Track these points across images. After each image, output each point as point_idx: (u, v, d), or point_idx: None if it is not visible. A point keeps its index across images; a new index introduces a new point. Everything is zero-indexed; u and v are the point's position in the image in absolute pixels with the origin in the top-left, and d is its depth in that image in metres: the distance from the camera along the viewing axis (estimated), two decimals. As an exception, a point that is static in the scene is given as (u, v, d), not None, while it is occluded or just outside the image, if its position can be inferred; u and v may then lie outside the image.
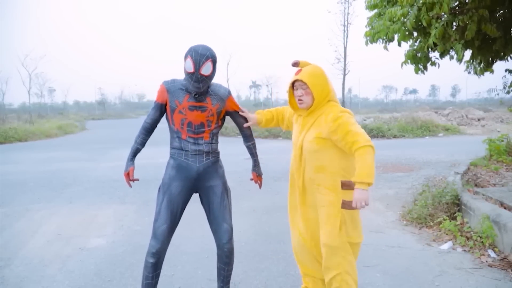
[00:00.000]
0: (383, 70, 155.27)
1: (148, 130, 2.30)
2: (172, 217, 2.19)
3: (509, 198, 3.90)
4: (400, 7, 4.03)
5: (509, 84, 5.72)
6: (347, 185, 2.08)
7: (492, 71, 5.10)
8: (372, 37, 4.89)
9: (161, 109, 2.27)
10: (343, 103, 17.33)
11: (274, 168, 7.48)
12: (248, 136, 2.47)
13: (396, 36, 4.67)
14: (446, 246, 3.45)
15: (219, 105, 2.27)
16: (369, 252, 3.33)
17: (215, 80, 2.29)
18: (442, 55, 4.73)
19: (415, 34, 4.60)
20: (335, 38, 36.59)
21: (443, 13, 3.76)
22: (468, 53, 4.90)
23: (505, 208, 3.69)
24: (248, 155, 2.53)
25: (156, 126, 2.33)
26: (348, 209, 2.08)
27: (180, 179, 2.23)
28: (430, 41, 4.05)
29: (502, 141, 7.47)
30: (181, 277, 2.94)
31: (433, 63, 4.92)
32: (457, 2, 4.11)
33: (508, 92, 5.79)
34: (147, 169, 7.44)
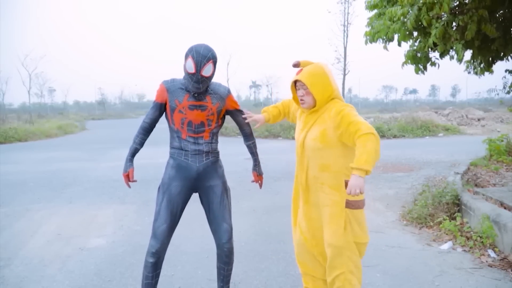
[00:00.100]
0: (383, 70, 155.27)
1: (147, 130, 2.29)
2: (172, 217, 2.19)
3: (509, 198, 3.90)
4: (400, 6, 4.03)
5: (509, 84, 5.73)
6: None
7: (492, 72, 5.11)
8: (372, 36, 4.89)
9: (161, 108, 2.26)
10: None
11: (274, 168, 7.48)
12: (248, 135, 2.47)
13: (396, 36, 4.68)
14: (446, 246, 3.45)
15: (219, 104, 2.27)
16: (369, 252, 3.32)
17: (215, 80, 2.29)
18: (442, 55, 4.73)
19: (415, 34, 4.60)
20: (335, 38, 36.74)
21: (443, 13, 3.76)
22: (468, 53, 4.90)
23: (505, 208, 3.69)
24: (248, 155, 2.53)
25: (154, 126, 2.32)
26: (352, 208, 2.07)
27: (179, 179, 2.22)
28: (431, 41, 4.05)
29: (502, 141, 7.47)
30: (181, 277, 2.94)
31: (433, 63, 4.92)
32: (457, 2, 4.11)
33: (508, 92, 5.79)
34: (147, 169, 7.44)
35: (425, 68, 4.98)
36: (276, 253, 3.36)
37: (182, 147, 2.23)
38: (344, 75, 20.06)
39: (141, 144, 2.31)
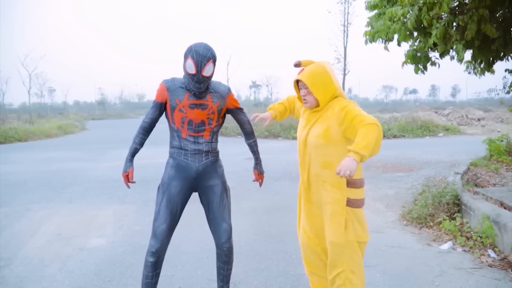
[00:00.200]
0: (383, 70, 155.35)
1: (147, 130, 2.29)
2: (172, 216, 2.18)
3: (509, 198, 3.90)
4: (401, 7, 4.03)
5: (509, 84, 5.73)
6: (352, 183, 2.07)
7: (492, 72, 5.11)
8: (372, 36, 4.90)
9: (161, 108, 2.26)
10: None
11: (274, 168, 7.48)
12: (249, 134, 2.46)
13: (396, 36, 4.68)
14: (446, 246, 3.45)
15: (220, 102, 2.26)
16: (369, 252, 3.32)
17: (214, 79, 2.29)
18: (442, 55, 4.73)
19: (415, 34, 4.60)
20: (335, 38, 36.81)
21: (443, 13, 3.76)
22: (468, 53, 4.91)
23: (505, 208, 3.69)
24: (249, 155, 2.53)
25: (154, 125, 2.31)
26: (352, 207, 2.08)
27: (179, 179, 2.22)
28: (431, 41, 4.05)
29: (502, 141, 7.48)
30: (181, 277, 2.94)
31: (433, 63, 4.92)
32: (457, 2, 4.11)
33: (508, 92, 5.80)
34: (147, 169, 7.44)
35: (425, 68, 4.98)
36: (276, 253, 3.36)
37: (182, 147, 2.23)
38: (344, 75, 20.05)
39: (141, 144, 2.30)
